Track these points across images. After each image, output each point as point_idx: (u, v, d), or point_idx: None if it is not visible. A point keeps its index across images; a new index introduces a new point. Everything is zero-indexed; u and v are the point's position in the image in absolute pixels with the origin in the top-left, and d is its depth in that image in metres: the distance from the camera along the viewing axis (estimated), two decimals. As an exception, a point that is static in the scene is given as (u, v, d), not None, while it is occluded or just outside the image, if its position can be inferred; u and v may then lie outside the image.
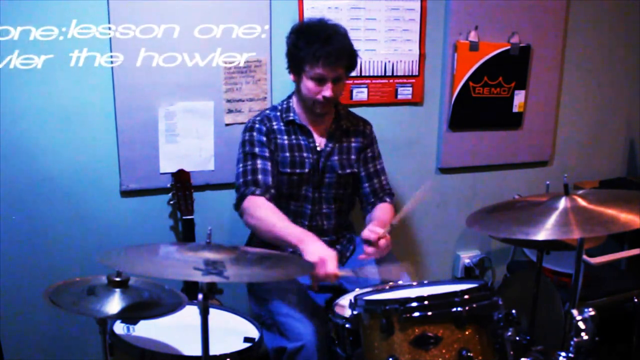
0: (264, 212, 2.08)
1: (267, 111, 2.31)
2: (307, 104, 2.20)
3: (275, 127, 2.25)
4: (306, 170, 2.24)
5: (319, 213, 2.29)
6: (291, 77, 2.22)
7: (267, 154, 2.19)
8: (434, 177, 3.08)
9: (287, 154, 2.23)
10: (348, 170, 2.30)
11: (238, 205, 2.16)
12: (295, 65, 2.16)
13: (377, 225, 2.09)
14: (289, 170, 2.22)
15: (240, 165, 2.20)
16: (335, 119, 2.31)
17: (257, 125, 2.24)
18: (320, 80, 2.12)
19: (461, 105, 2.98)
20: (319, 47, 2.07)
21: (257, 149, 2.19)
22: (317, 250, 1.90)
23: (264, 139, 2.21)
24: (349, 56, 2.16)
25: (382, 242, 2.02)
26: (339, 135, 2.30)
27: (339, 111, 2.32)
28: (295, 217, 2.25)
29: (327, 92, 2.13)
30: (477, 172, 3.16)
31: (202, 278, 1.38)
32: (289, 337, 1.96)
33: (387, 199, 2.36)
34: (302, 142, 2.25)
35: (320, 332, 1.95)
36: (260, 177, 2.14)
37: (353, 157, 2.32)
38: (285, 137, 2.24)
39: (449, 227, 3.16)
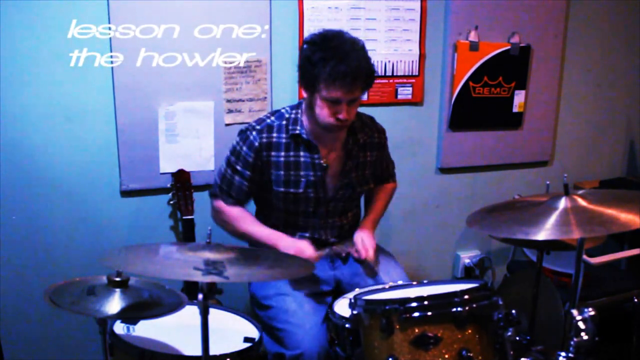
0: (236, 216, 2.20)
1: (272, 119, 2.14)
2: (318, 124, 2.06)
3: (274, 140, 2.11)
4: (300, 190, 2.13)
5: (324, 227, 2.22)
6: (303, 92, 2.07)
7: (247, 174, 2.13)
8: (434, 177, 3.08)
9: (282, 172, 2.12)
10: (365, 187, 2.27)
11: (212, 195, 2.25)
12: (308, 82, 2.00)
13: (366, 233, 2.23)
14: (282, 190, 2.13)
15: (223, 167, 2.19)
16: (350, 133, 2.17)
17: (251, 138, 2.10)
18: (334, 102, 1.97)
19: (461, 105, 2.98)
20: (334, 64, 1.91)
21: (239, 166, 2.13)
22: (290, 244, 2.09)
23: (251, 157, 2.10)
24: (366, 76, 1.99)
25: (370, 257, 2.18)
26: (356, 151, 2.19)
27: (354, 124, 2.16)
28: (295, 230, 2.21)
29: (342, 115, 1.98)
30: (477, 172, 3.16)
31: (202, 278, 1.38)
32: (287, 345, 1.94)
33: (390, 179, 2.43)
34: (302, 159, 2.12)
35: (320, 338, 1.94)
36: (233, 193, 2.17)
37: (368, 172, 2.25)
38: (283, 154, 2.11)
39: (449, 227, 3.16)
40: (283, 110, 2.17)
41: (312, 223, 2.20)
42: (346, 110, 1.99)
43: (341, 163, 2.17)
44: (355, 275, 2.21)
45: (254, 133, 2.11)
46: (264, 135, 2.10)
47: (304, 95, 2.07)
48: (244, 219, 2.19)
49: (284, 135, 2.11)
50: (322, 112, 2.00)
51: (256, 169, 2.12)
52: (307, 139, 2.11)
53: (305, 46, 2.03)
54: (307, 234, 2.21)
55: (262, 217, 2.27)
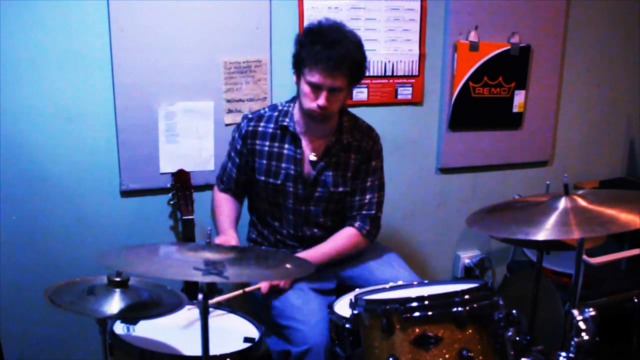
0: (217, 202, 2.31)
1: (265, 109, 2.21)
2: (302, 109, 2.09)
3: (261, 129, 2.16)
4: (279, 181, 2.15)
5: (306, 225, 2.22)
6: (294, 77, 2.10)
7: (237, 161, 2.22)
8: (434, 177, 3.08)
9: (264, 162, 2.17)
10: (341, 189, 2.18)
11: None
12: (296, 65, 2.05)
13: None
14: (262, 178, 2.18)
15: (224, 160, 2.32)
16: (337, 131, 2.16)
17: (241, 126, 2.20)
18: (316, 87, 1.99)
19: (461, 105, 2.98)
20: (320, 49, 1.94)
21: (232, 153, 2.24)
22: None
23: (240, 144, 2.19)
24: (352, 66, 1.99)
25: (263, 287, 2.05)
26: (337, 150, 2.16)
27: (343, 123, 2.17)
28: (281, 225, 2.23)
29: (321, 101, 1.99)
30: (477, 172, 3.16)
31: (202, 278, 1.38)
32: (293, 342, 1.94)
33: (356, 224, 2.19)
34: (285, 152, 2.15)
35: (326, 334, 1.92)
36: (224, 179, 2.29)
37: (349, 174, 2.19)
38: (267, 143, 2.16)
39: (449, 227, 3.16)
40: (278, 103, 2.24)
41: (295, 220, 2.22)
42: (326, 97, 2.00)
43: (319, 160, 2.18)
44: (358, 273, 2.21)
45: (245, 121, 2.20)
46: (252, 123, 2.19)
47: (294, 81, 2.12)
48: (221, 206, 2.28)
49: (271, 126, 2.17)
50: (305, 96, 2.05)
51: (243, 156, 2.21)
52: (293, 131, 2.15)
53: (302, 32, 2.09)
54: (292, 232, 2.23)
55: (254, 209, 2.32)
